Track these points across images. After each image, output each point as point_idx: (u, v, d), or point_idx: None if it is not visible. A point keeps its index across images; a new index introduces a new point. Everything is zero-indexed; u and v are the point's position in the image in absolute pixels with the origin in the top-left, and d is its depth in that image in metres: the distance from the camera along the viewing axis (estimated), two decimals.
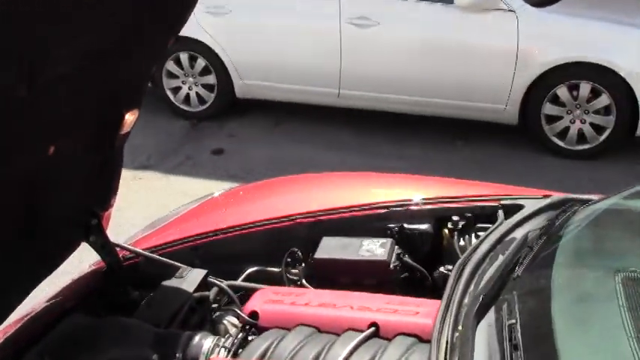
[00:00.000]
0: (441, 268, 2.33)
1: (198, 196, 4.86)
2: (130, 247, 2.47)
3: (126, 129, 2.11)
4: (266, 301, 2.03)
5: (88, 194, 2.18)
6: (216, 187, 5.36)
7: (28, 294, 2.06)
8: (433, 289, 2.35)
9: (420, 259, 2.40)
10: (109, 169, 2.20)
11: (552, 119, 5.78)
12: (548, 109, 5.72)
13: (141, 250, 2.46)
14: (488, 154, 5.88)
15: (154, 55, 2.11)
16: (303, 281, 2.38)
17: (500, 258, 2.03)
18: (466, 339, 1.64)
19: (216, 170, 5.80)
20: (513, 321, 1.62)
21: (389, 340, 1.86)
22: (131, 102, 2.07)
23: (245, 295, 2.36)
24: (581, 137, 5.74)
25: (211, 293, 2.30)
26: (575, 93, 5.61)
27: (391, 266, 2.20)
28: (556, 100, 5.70)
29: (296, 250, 2.40)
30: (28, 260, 1.97)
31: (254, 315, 1.99)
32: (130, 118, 2.10)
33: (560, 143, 5.80)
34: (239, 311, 2.03)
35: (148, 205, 4.92)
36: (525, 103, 5.76)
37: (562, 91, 5.62)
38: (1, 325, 1.94)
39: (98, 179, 2.18)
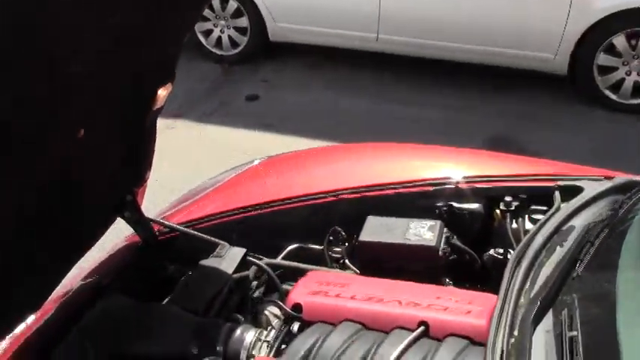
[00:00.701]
0: (491, 251, 2.22)
1: (234, 148, 4.82)
2: (165, 222, 2.39)
3: (159, 104, 2.02)
4: (310, 292, 1.93)
5: (123, 171, 2.11)
6: (251, 137, 5.32)
7: (67, 272, 2.01)
8: (482, 273, 2.26)
9: (469, 240, 2.29)
10: (142, 145, 2.12)
11: (606, 70, 5.50)
12: (602, 59, 5.44)
13: (177, 225, 2.38)
14: (533, 105, 5.67)
15: (186, 26, 1.99)
16: (346, 261, 2.30)
17: (558, 251, 1.90)
18: (522, 347, 1.54)
19: (251, 118, 5.67)
20: (575, 333, 1.51)
21: (439, 340, 1.77)
22: (164, 78, 1.98)
23: (284, 273, 2.29)
24: (637, 90, 5.46)
25: (250, 272, 2.23)
26: (633, 42, 5.31)
27: (440, 252, 2.09)
28: (611, 50, 5.41)
29: (339, 229, 2.30)
30: (65, 238, 1.91)
31: (297, 308, 1.90)
32: (162, 93, 2.01)
33: (613, 96, 5.54)
34: (282, 304, 1.94)
35: (183, 157, 4.85)
36: (576, 52, 5.48)
37: (619, 40, 5.32)
38: (43, 304, 1.89)
39: (132, 156, 2.10)
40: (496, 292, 1.95)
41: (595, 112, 5.51)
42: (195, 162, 4.79)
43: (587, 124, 5.34)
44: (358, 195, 2.36)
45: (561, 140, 5.06)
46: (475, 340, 1.74)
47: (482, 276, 2.26)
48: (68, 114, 1.67)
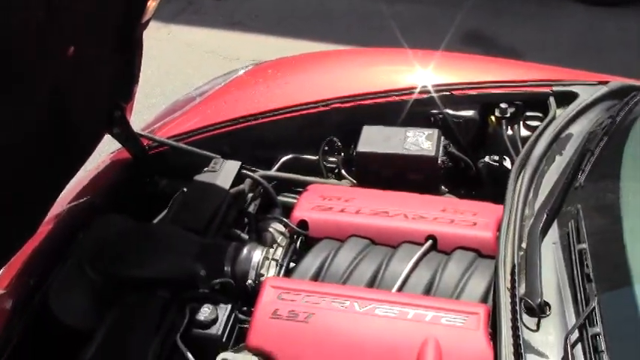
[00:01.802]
0: (486, 158, 2.24)
1: (205, 49, 4.69)
2: (155, 136, 2.34)
3: (147, 16, 1.95)
4: (314, 207, 1.93)
5: (111, 87, 2.05)
6: (223, 37, 5.17)
7: (61, 190, 1.97)
8: (477, 179, 2.27)
9: (463, 147, 2.30)
10: (131, 60, 2.05)
11: None
12: None
13: (166, 140, 2.33)
14: None
15: None
16: (342, 171, 2.29)
17: (559, 160, 1.92)
18: (532, 261, 1.56)
19: (221, 17, 5.49)
20: (584, 246, 1.53)
21: (447, 253, 1.79)
22: None
23: (279, 185, 2.28)
24: None
25: (245, 185, 2.21)
26: None
27: (439, 162, 2.09)
28: None
29: (335, 139, 2.28)
30: (57, 156, 1.87)
31: (303, 224, 1.90)
32: (152, 4, 1.93)
33: None
34: (288, 221, 1.94)
35: (155, 59, 4.72)
36: None
37: None
38: (40, 224, 1.86)
39: (120, 71, 2.04)
40: (491, 198, 1.98)
41: (572, 5, 5.44)
42: (168, 64, 4.68)
43: (565, 18, 5.28)
44: (351, 104, 2.32)
45: (540, 35, 5.01)
46: (483, 253, 1.77)
47: (476, 183, 2.28)
48: (59, 32, 1.60)
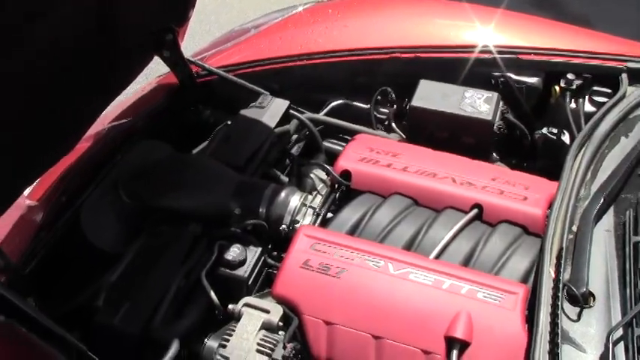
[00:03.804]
0: (544, 130, 2.13)
1: None
2: (205, 65, 2.27)
3: None
4: (360, 159, 1.85)
5: (165, 8, 1.97)
6: None
7: (103, 109, 1.93)
8: (530, 150, 2.17)
9: (521, 115, 2.19)
10: None
11: None
12: None
13: (216, 69, 2.27)
14: None
15: None
16: (393, 124, 2.21)
17: (623, 142, 1.81)
18: (582, 246, 1.48)
19: None
20: None
21: (491, 225, 1.71)
22: None
23: (326, 130, 2.22)
24: None
25: (291, 125, 2.15)
26: None
27: (495, 127, 1.99)
28: None
29: (389, 90, 2.19)
30: (102, 72, 1.81)
31: (346, 175, 1.83)
32: None
33: None
34: (330, 169, 1.87)
35: None
36: None
37: None
38: (78, 141, 1.82)
39: None
40: (543, 173, 1.89)
41: None
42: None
43: None
44: (412, 55, 2.22)
45: (618, 8, 4.75)
46: (530, 230, 1.69)
47: (530, 154, 2.18)
48: None
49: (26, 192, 1.87)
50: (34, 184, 1.91)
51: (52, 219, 1.80)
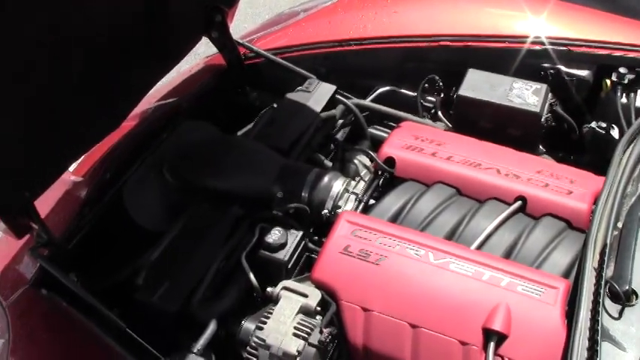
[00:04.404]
0: (593, 124, 2.09)
1: None
2: (253, 47, 2.28)
3: None
4: (404, 146, 1.84)
5: None
6: None
7: (150, 88, 1.95)
8: (578, 145, 2.14)
9: (570, 108, 2.15)
10: None
11: None
12: None
13: (264, 52, 2.27)
14: None
15: None
16: (439, 113, 2.19)
17: None
18: (626, 244, 1.45)
19: None
20: None
21: (535, 218, 1.69)
22: None
23: (372, 116, 2.21)
24: None
25: (337, 111, 2.15)
26: None
27: (543, 119, 1.97)
28: None
29: (437, 78, 2.18)
30: (150, 53, 1.84)
31: (390, 162, 1.83)
32: None
33: None
34: (374, 155, 1.86)
35: None
36: None
37: None
38: (124, 119, 1.85)
39: None
40: (590, 167, 1.86)
41: None
42: None
43: None
44: (461, 43, 2.20)
45: None
46: (573, 225, 1.67)
47: (577, 148, 2.15)
48: None
49: (71, 167, 1.90)
50: (80, 159, 1.94)
51: (96, 195, 1.83)
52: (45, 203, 1.69)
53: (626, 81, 2.07)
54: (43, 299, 1.62)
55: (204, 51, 2.37)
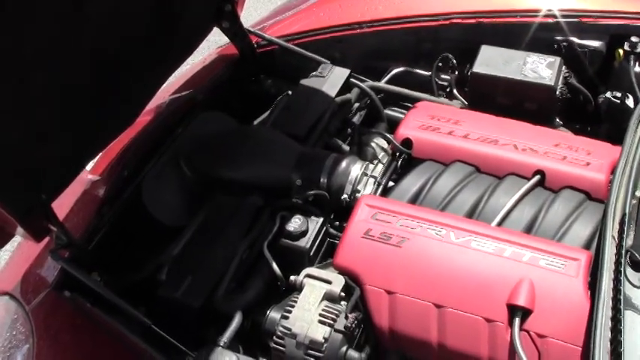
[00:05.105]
0: (608, 94, 2.09)
1: None
2: (265, 35, 2.29)
3: None
4: (421, 126, 1.85)
5: None
6: None
7: (163, 82, 1.96)
8: (594, 115, 2.14)
9: (585, 79, 2.15)
10: None
11: None
12: None
13: (276, 39, 2.28)
14: None
15: None
16: (454, 91, 2.20)
17: None
18: None
19: None
20: None
21: (554, 191, 1.70)
22: None
23: (387, 98, 2.22)
24: None
25: (352, 94, 2.16)
26: None
27: (557, 92, 1.97)
28: None
29: (450, 56, 2.18)
30: (161, 44, 1.84)
31: (407, 143, 1.84)
32: None
33: None
34: (391, 138, 1.87)
35: None
36: None
37: None
38: (139, 114, 1.86)
39: None
40: (607, 137, 1.86)
41: None
42: None
43: None
44: (473, 20, 2.20)
45: None
46: (592, 196, 1.67)
47: (594, 118, 2.15)
48: None
49: (88, 166, 1.90)
50: (96, 158, 1.94)
51: (115, 194, 1.83)
52: (63, 203, 1.69)
53: (638, 49, 2.06)
54: (67, 301, 1.62)
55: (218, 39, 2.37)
